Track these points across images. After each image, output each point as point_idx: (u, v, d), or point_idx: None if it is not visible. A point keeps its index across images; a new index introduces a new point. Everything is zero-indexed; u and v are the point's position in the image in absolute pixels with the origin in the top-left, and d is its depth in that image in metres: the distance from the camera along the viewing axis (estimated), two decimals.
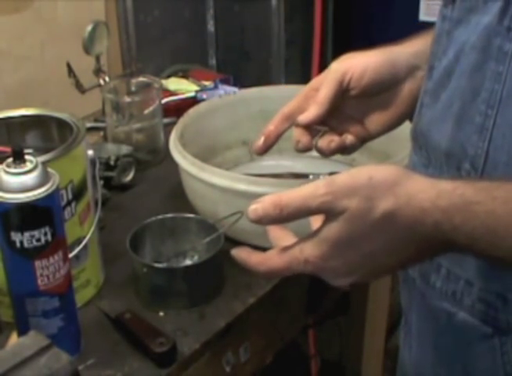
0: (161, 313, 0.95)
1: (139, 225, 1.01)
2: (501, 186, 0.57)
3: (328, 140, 0.86)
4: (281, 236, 0.67)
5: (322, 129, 0.87)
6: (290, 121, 0.86)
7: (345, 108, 0.86)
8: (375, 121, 0.86)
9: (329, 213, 0.59)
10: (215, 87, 1.53)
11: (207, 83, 1.55)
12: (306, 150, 0.86)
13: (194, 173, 1.03)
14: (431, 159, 0.70)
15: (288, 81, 1.77)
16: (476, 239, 0.57)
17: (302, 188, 0.60)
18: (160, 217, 1.03)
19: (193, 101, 1.44)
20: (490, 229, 0.56)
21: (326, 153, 0.86)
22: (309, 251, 0.61)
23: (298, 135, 0.85)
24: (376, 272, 0.63)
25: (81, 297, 0.95)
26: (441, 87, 0.69)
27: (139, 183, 1.26)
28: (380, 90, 0.84)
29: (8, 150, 0.86)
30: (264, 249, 1.06)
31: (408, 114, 0.85)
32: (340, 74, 0.83)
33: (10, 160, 0.77)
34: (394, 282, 1.35)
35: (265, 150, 0.88)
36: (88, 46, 1.28)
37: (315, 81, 0.86)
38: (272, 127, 0.87)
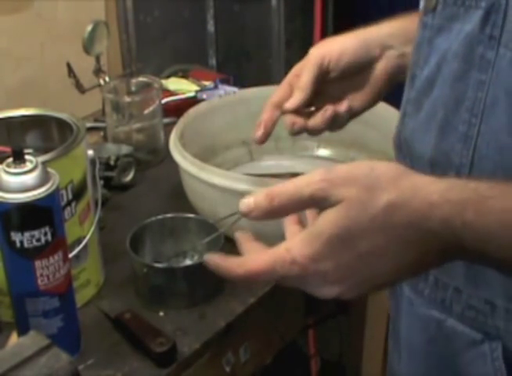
0: (161, 313, 0.95)
1: (139, 225, 1.01)
2: None
3: (320, 115, 0.89)
4: (255, 248, 0.60)
5: (310, 110, 0.91)
6: (280, 108, 0.90)
7: (328, 89, 0.90)
8: (357, 98, 0.90)
9: (324, 202, 0.54)
10: (215, 87, 1.53)
11: (207, 83, 1.55)
12: (301, 130, 0.90)
13: (194, 173, 1.03)
14: (415, 168, 0.68)
15: None
16: (488, 238, 0.52)
17: (297, 178, 0.56)
18: (160, 217, 1.03)
19: (193, 101, 1.44)
20: (506, 226, 0.51)
21: (320, 126, 0.89)
22: (298, 249, 0.55)
23: (290, 118, 0.89)
24: (368, 283, 0.56)
25: (81, 297, 0.95)
26: (424, 96, 0.68)
27: (139, 183, 1.26)
28: (357, 70, 0.88)
29: (8, 150, 0.86)
30: None
31: (384, 91, 0.90)
32: (319, 58, 0.88)
33: (10, 160, 0.77)
34: None
35: (265, 139, 0.91)
36: (88, 46, 1.28)
37: (296, 68, 0.91)
38: (265, 116, 0.90)
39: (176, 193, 1.17)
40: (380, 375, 1.49)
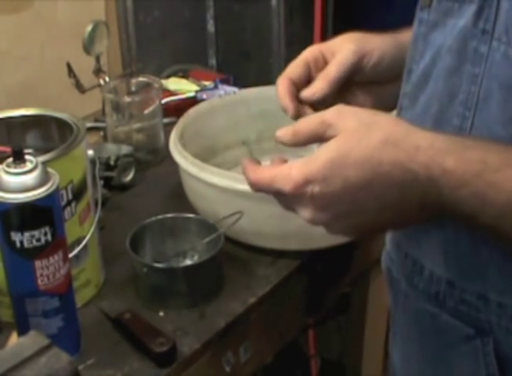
0: (161, 313, 0.95)
1: (139, 225, 1.01)
2: (498, 145, 0.58)
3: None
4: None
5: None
6: (296, 87, 0.80)
7: (343, 87, 0.81)
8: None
9: (330, 130, 0.61)
10: (215, 87, 1.53)
11: (207, 83, 1.55)
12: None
13: (194, 173, 1.03)
14: None
15: None
16: (462, 184, 0.56)
17: None
18: (160, 217, 1.03)
19: (193, 101, 1.44)
20: (479, 175, 0.56)
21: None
22: (297, 167, 0.61)
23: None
24: (352, 218, 0.61)
25: (81, 297, 0.95)
26: (420, 90, 0.69)
27: (139, 183, 1.26)
28: (387, 81, 0.81)
29: (8, 150, 0.86)
30: (264, 249, 1.06)
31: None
32: (357, 57, 0.79)
33: (10, 160, 0.77)
34: None
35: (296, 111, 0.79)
36: (88, 46, 1.28)
37: (316, 51, 0.81)
38: (281, 89, 0.80)
39: (176, 193, 1.17)
40: (380, 375, 1.49)
